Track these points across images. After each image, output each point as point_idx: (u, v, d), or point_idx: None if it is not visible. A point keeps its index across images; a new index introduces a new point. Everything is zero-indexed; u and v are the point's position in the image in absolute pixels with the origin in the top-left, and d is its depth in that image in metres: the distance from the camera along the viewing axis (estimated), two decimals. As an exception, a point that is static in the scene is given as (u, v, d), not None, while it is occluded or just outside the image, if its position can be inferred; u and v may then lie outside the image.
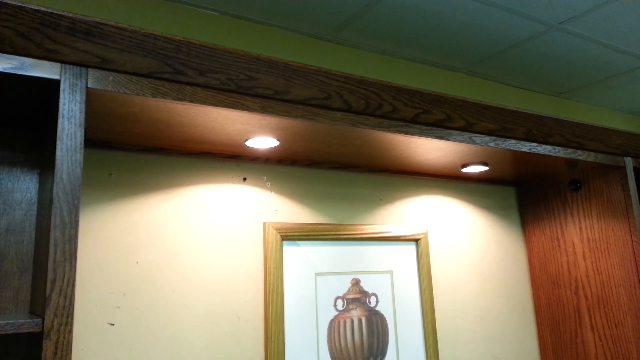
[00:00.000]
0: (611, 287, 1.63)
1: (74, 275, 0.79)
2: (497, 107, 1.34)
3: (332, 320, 1.42)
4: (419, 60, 1.85)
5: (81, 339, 1.10)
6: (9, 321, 0.76)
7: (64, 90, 0.82)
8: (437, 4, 1.46)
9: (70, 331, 0.77)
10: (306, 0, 1.43)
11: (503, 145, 1.37)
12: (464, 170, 1.62)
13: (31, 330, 0.77)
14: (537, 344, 1.85)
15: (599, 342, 1.65)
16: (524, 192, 1.94)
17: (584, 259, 1.71)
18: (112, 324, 1.14)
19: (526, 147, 1.42)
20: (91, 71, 0.85)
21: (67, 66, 0.83)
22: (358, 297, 1.48)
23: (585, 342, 1.69)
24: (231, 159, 1.35)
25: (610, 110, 2.52)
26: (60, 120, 0.81)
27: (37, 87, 0.86)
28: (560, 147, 1.50)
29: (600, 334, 1.65)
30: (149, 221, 1.23)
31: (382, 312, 1.51)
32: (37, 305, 0.88)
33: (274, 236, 1.36)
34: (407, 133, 1.21)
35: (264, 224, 1.37)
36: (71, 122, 0.82)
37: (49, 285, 0.77)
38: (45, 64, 0.82)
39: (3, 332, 0.75)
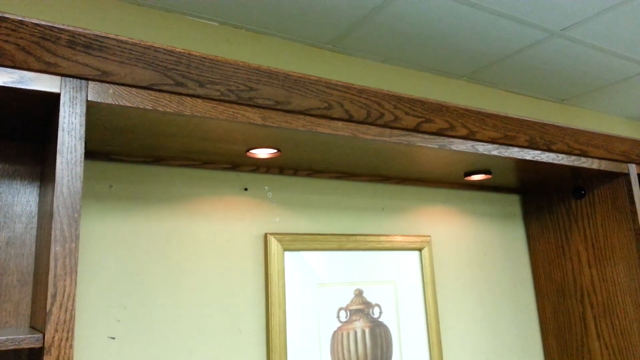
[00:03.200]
0: (617, 296, 1.61)
1: (75, 289, 0.78)
2: (499, 115, 1.34)
3: (335, 331, 1.41)
4: (421, 68, 1.85)
5: (82, 353, 1.09)
6: (9, 337, 0.75)
7: (64, 103, 0.82)
8: (438, 11, 1.46)
9: (71, 346, 0.76)
10: (306, 10, 1.43)
11: (506, 153, 1.36)
12: (467, 178, 1.61)
13: (32, 345, 0.76)
14: (543, 353, 1.83)
15: (605, 351, 1.63)
16: (528, 200, 1.93)
17: (589, 267, 1.69)
18: (113, 338, 1.13)
19: (529, 154, 1.41)
20: (91, 84, 0.85)
21: (67, 79, 0.83)
22: (361, 307, 1.47)
23: (592, 351, 1.67)
24: (232, 170, 1.35)
25: (613, 117, 2.51)
26: (60, 134, 0.81)
27: (37, 101, 0.86)
28: (563, 155, 1.49)
29: (607, 343, 1.63)
30: (149, 233, 1.22)
31: (385, 323, 1.50)
32: (38, 319, 0.87)
33: (275, 247, 1.35)
34: (409, 142, 1.20)
35: (266, 234, 1.36)
36: (71, 135, 0.82)
37: (49, 299, 0.76)
38: (46, 77, 0.82)
39: (4, 348, 0.75)
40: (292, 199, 1.45)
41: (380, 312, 1.50)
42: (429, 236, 1.66)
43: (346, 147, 1.21)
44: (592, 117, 2.41)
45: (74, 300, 0.78)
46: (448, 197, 1.77)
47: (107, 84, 0.86)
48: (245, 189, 1.38)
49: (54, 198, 0.79)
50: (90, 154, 1.16)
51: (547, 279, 1.83)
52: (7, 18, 0.78)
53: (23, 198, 1.04)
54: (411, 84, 1.84)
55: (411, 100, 1.19)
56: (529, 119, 1.40)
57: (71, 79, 0.83)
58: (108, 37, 0.85)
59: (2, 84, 0.78)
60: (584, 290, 1.70)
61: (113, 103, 0.86)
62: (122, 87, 0.88)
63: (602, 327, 1.64)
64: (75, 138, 0.82)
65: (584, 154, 1.53)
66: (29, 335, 0.76)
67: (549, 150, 1.45)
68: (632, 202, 1.59)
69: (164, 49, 0.90)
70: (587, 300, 1.69)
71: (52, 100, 0.85)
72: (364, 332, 1.45)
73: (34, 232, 1.04)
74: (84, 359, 1.09)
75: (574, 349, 1.72)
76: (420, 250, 1.62)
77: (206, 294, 1.26)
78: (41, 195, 1.02)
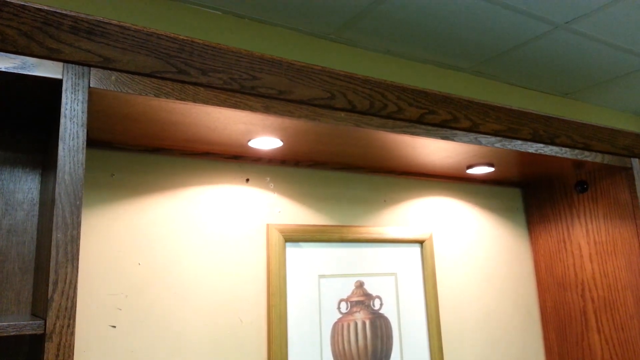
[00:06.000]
0: (618, 290, 1.61)
1: (76, 276, 0.78)
2: (503, 108, 1.33)
3: (335, 323, 1.41)
4: (424, 59, 1.84)
5: (83, 341, 1.09)
6: (11, 323, 0.75)
7: (66, 89, 0.82)
8: (442, 3, 1.45)
9: (73, 333, 0.76)
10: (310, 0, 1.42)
11: (509, 146, 1.36)
12: (470, 171, 1.61)
13: (33, 332, 0.76)
14: (543, 347, 1.84)
15: (605, 345, 1.63)
16: (530, 194, 1.93)
17: (591, 261, 1.69)
18: (114, 326, 1.13)
19: (532, 148, 1.41)
20: (93, 71, 0.85)
21: (70, 65, 0.83)
22: (362, 299, 1.47)
23: (592, 345, 1.67)
24: (234, 160, 1.35)
25: (617, 111, 2.50)
26: (62, 120, 0.80)
27: (39, 87, 0.85)
28: (566, 148, 1.48)
29: (607, 337, 1.63)
30: (151, 222, 1.22)
31: (386, 314, 1.50)
32: (39, 306, 0.87)
33: (277, 238, 1.35)
34: (412, 134, 1.19)
35: (267, 225, 1.36)
36: (73, 122, 0.81)
37: (51, 286, 0.76)
38: (48, 63, 0.81)
39: (5, 334, 0.75)
40: (294, 190, 1.45)
41: (381, 304, 1.50)
42: (431, 229, 1.65)
43: (349, 137, 1.21)
44: (596, 111, 2.40)
45: (75, 287, 0.78)
46: (450, 190, 1.77)
47: (109, 71, 0.86)
48: (247, 180, 1.38)
49: (56, 185, 0.78)
50: (92, 142, 1.15)
51: (548, 272, 1.83)
52: (10, 3, 0.77)
53: (25, 185, 1.04)
54: (414, 76, 1.83)
55: (415, 92, 1.18)
56: (532, 112, 1.39)
57: (73, 65, 0.83)
58: (111, 24, 0.84)
59: (4, 69, 0.78)
60: (585, 284, 1.70)
61: (115, 90, 0.86)
62: (125, 74, 0.87)
63: (603, 321, 1.64)
64: (77, 125, 0.82)
65: (587, 148, 1.52)
66: (31, 322, 0.76)
67: (553, 143, 1.45)
68: (635, 197, 1.59)
69: (167, 36, 0.89)
70: (588, 295, 1.69)
71: (54, 87, 0.84)
72: (364, 323, 1.45)
73: (35, 219, 1.04)
74: (85, 347, 1.09)
75: (574, 343, 1.72)
76: (421, 242, 1.62)
77: (207, 283, 1.26)
78: (43, 183, 1.01)
